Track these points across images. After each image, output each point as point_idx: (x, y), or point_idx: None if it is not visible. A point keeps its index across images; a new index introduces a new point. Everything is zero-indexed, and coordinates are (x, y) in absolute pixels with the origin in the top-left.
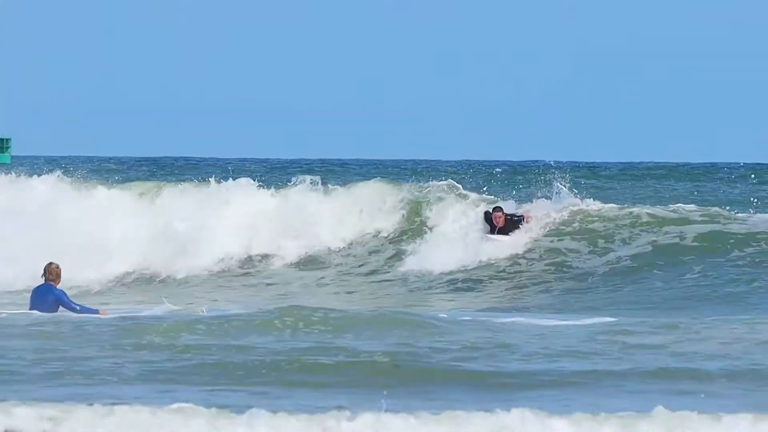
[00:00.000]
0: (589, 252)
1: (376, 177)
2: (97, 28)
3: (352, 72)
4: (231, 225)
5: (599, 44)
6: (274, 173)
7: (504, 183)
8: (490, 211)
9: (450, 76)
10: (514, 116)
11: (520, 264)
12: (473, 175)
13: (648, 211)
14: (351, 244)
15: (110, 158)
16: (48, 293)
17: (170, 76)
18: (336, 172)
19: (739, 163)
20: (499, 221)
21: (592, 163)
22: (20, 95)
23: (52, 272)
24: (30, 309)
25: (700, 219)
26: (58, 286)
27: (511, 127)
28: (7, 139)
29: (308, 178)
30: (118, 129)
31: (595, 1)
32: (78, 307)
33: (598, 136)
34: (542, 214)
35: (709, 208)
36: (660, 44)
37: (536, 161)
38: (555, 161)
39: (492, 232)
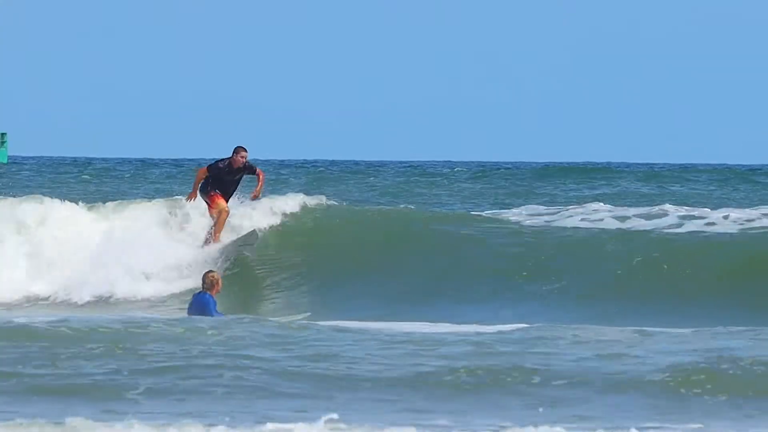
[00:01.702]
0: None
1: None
2: (97, 28)
3: (351, 72)
4: None
5: (598, 45)
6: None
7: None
8: (229, 157)
9: (450, 76)
10: (513, 116)
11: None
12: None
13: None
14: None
15: (110, 159)
16: (200, 302)
17: (170, 76)
18: (329, 172)
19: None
20: (242, 161)
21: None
22: (16, 96)
23: (206, 280)
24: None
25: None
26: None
27: (509, 128)
28: (2, 134)
29: None
30: (117, 129)
31: (594, 3)
32: (214, 316)
33: (596, 136)
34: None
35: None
36: (659, 45)
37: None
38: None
39: (225, 180)
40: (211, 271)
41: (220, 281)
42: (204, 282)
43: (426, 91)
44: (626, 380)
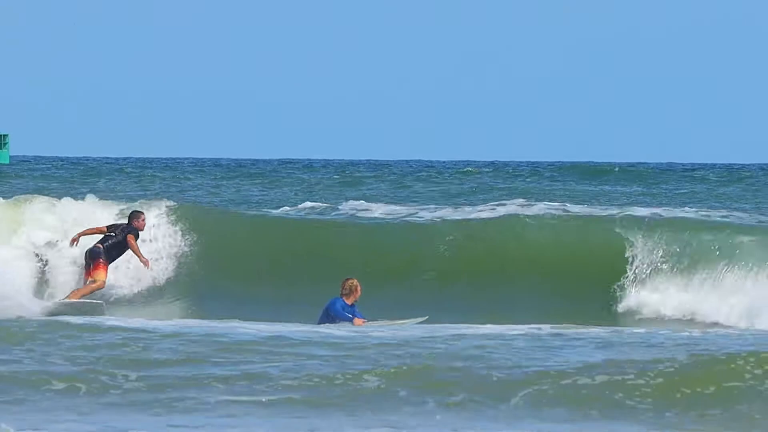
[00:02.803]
0: None
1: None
2: (97, 28)
3: (351, 72)
4: None
5: (598, 45)
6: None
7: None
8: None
9: (450, 76)
10: (512, 116)
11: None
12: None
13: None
14: None
15: (107, 159)
16: (328, 304)
17: (170, 76)
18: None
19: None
20: (144, 224)
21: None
22: (16, 96)
23: (345, 287)
24: (318, 322)
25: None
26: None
27: (507, 127)
28: (4, 135)
29: None
30: (116, 129)
31: (594, 3)
32: (338, 316)
33: (595, 135)
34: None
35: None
36: (659, 45)
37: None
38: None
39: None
40: (349, 278)
41: (359, 288)
42: (342, 288)
43: (426, 91)
44: None
